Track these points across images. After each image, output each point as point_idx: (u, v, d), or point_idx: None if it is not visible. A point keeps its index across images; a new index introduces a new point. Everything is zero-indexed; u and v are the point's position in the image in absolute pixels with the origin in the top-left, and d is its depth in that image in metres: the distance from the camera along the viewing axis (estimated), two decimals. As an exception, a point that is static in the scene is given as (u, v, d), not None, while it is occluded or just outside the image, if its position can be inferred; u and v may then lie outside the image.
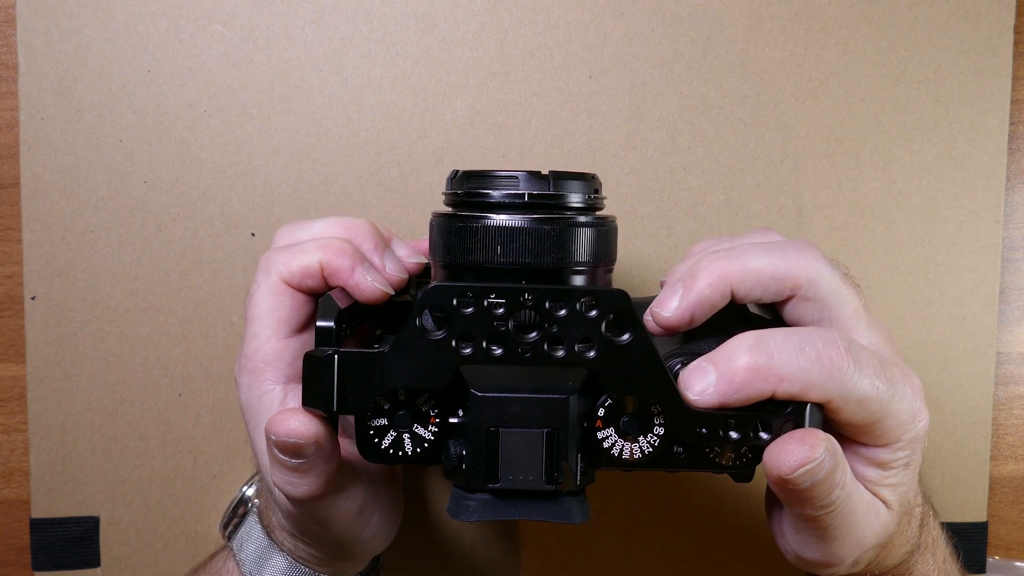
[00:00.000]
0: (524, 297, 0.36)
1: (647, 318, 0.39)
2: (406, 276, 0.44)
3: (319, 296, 0.43)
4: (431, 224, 0.42)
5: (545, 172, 0.40)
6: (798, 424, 0.37)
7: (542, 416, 0.37)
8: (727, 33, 0.56)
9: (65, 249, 0.55)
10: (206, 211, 0.55)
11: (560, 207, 0.40)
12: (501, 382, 0.37)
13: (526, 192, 0.40)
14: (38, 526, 0.56)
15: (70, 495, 0.56)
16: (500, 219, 0.39)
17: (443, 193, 0.43)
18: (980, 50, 0.56)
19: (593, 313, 0.36)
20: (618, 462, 0.38)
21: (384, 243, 0.45)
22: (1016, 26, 0.56)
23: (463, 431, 0.38)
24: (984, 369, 0.58)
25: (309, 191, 0.55)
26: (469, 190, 0.41)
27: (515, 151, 0.56)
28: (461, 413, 0.38)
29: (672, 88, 0.56)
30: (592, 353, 0.36)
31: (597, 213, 0.42)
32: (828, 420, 0.38)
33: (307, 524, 0.44)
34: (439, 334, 0.36)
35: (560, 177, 0.40)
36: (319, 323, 0.39)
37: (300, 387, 0.41)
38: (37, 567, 0.56)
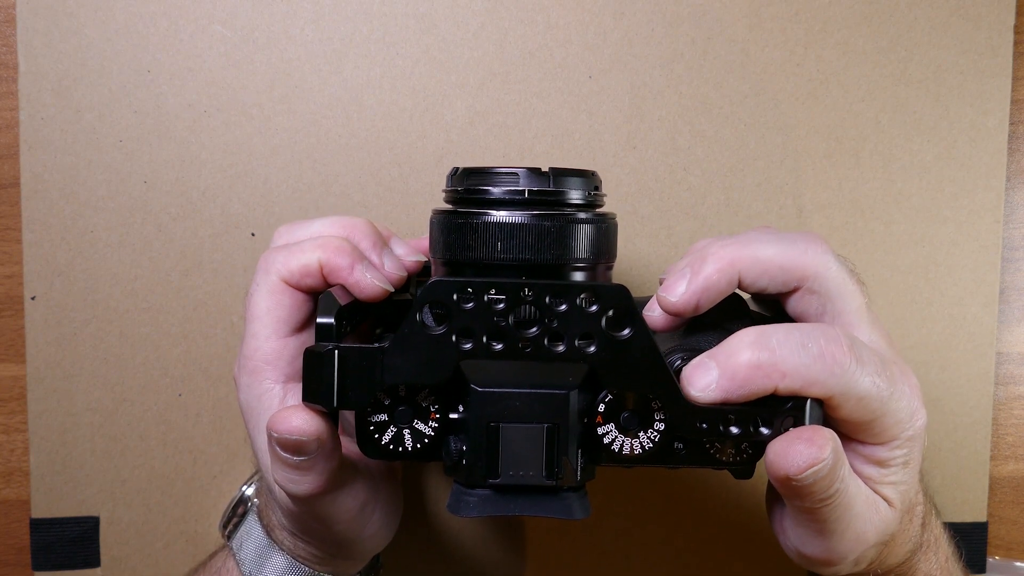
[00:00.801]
0: (524, 292, 0.36)
1: (649, 312, 0.39)
2: (405, 274, 0.44)
3: (318, 295, 0.43)
4: (431, 221, 0.42)
5: (545, 169, 0.40)
6: (799, 420, 0.37)
7: (542, 411, 0.37)
8: (727, 33, 0.56)
9: (65, 249, 0.55)
10: (206, 211, 0.55)
11: (560, 203, 0.40)
12: (501, 377, 0.37)
13: (526, 188, 0.40)
14: (38, 526, 0.56)
15: (70, 495, 0.56)
16: (500, 215, 0.40)
17: (443, 190, 0.43)
18: (980, 50, 0.56)
19: (593, 308, 0.36)
20: (618, 458, 0.38)
21: (383, 242, 0.45)
22: (1016, 26, 0.56)
23: (463, 426, 0.38)
24: (984, 369, 0.58)
25: (309, 191, 0.55)
26: (469, 187, 0.41)
27: (515, 151, 0.56)
28: (461, 409, 0.38)
29: (672, 88, 0.56)
30: (592, 348, 0.36)
31: (597, 210, 0.42)
32: (827, 416, 0.38)
33: (308, 522, 0.44)
34: (439, 330, 0.36)
35: (560, 174, 0.40)
36: (319, 319, 0.39)
37: (300, 386, 0.41)
38: (37, 567, 0.56)
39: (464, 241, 0.40)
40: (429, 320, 0.37)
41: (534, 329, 0.36)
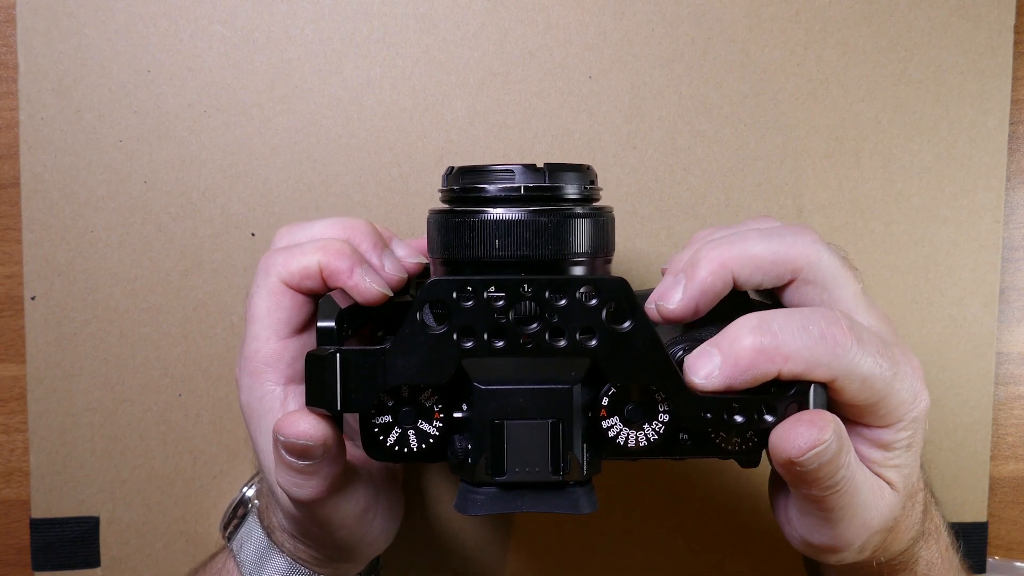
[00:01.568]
0: (523, 289, 0.36)
1: (648, 307, 0.39)
2: (405, 276, 0.44)
3: (319, 297, 0.43)
4: (428, 221, 0.42)
5: (540, 165, 0.40)
6: (802, 405, 0.37)
7: (546, 407, 0.37)
8: (727, 33, 0.56)
9: (65, 249, 0.55)
10: (206, 211, 0.55)
11: (557, 199, 0.40)
12: (504, 374, 0.37)
13: (522, 185, 0.40)
14: (38, 526, 0.56)
15: (70, 495, 0.56)
16: (497, 213, 0.39)
17: (440, 190, 0.43)
18: (980, 50, 0.56)
19: (593, 302, 0.36)
20: (623, 451, 0.38)
21: (383, 243, 0.45)
22: (1016, 26, 0.56)
23: (468, 425, 0.38)
24: (984, 369, 0.58)
25: (309, 191, 0.55)
26: (465, 185, 0.41)
27: (515, 151, 0.56)
28: (465, 407, 0.38)
29: (672, 88, 0.56)
30: (594, 342, 0.36)
31: (594, 204, 0.42)
32: (831, 401, 0.38)
33: (309, 526, 0.44)
34: (440, 329, 0.36)
35: (556, 169, 0.40)
36: (320, 323, 0.39)
37: (301, 388, 0.41)
38: (37, 567, 0.56)
39: (462, 240, 0.40)
40: (429, 320, 0.37)
41: (535, 325, 0.36)
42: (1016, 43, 0.57)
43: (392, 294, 0.42)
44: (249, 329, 0.43)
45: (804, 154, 0.56)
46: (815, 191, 0.56)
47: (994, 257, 0.57)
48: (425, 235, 0.43)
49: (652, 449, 0.38)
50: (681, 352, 0.38)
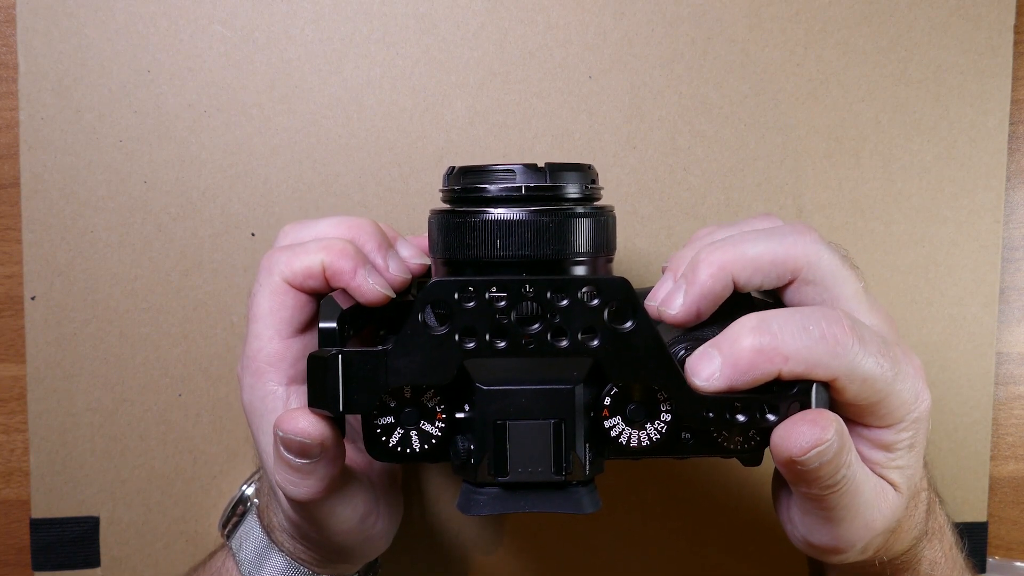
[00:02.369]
0: (525, 289, 0.36)
1: (649, 304, 0.39)
2: (409, 277, 0.44)
3: (321, 296, 0.43)
4: (429, 221, 0.42)
5: (541, 165, 0.40)
6: (804, 404, 0.36)
7: (548, 407, 0.37)
8: (727, 33, 0.56)
9: (65, 249, 0.55)
10: (206, 211, 0.55)
11: (558, 198, 0.40)
12: (506, 375, 0.37)
13: (523, 185, 0.40)
14: (38, 526, 0.56)
15: (70, 495, 0.56)
16: (498, 213, 0.39)
17: (440, 190, 0.43)
18: (980, 50, 0.56)
19: (595, 302, 0.36)
20: (626, 450, 0.38)
21: (388, 243, 0.45)
22: (1016, 26, 0.56)
23: (470, 426, 0.38)
24: (984, 369, 0.58)
25: (309, 191, 0.55)
26: (466, 185, 0.41)
27: (515, 151, 0.56)
28: (467, 408, 0.38)
29: (672, 88, 0.56)
30: (596, 342, 0.36)
31: (595, 203, 0.42)
32: (833, 401, 0.38)
33: (307, 528, 0.44)
34: (441, 330, 0.36)
35: (557, 169, 0.40)
36: (321, 324, 0.39)
37: (304, 387, 0.41)
38: (37, 567, 0.56)
39: (463, 240, 0.40)
40: (431, 320, 0.37)
41: (536, 325, 0.36)
42: (1016, 43, 0.57)
43: (395, 295, 0.42)
44: (251, 328, 0.43)
45: (804, 154, 0.56)
46: (815, 191, 0.56)
47: (994, 257, 0.57)
48: (426, 233, 0.43)
49: (654, 449, 0.38)
50: (683, 352, 0.38)
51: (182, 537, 0.57)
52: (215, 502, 0.56)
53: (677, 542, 0.59)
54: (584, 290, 0.36)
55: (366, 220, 0.45)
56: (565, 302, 0.36)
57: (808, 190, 0.56)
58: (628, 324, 0.36)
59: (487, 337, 0.36)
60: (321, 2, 0.55)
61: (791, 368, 0.36)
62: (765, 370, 0.36)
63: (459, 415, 0.38)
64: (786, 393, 0.37)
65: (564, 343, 0.36)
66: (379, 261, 0.43)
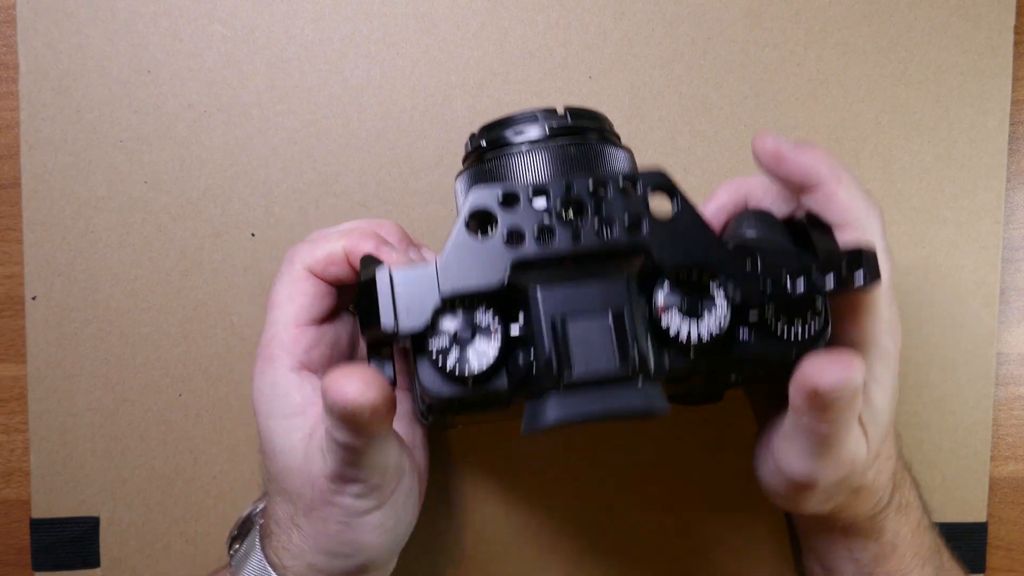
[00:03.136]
0: (569, 186, 0.36)
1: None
2: None
3: (342, 288, 0.42)
4: (456, 185, 0.42)
5: (560, 110, 0.41)
6: (857, 265, 0.36)
7: (605, 300, 0.36)
8: (727, 33, 0.56)
9: (65, 249, 0.55)
10: (206, 211, 0.55)
11: (582, 131, 0.41)
12: (558, 277, 0.37)
13: (546, 124, 0.41)
14: (38, 526, 0.56)
15: (70, 495, 0.56)
16: (526, 148, 0.40)
17: (465, 158, 0.43)
18: (980, 50, 0.56)
19: (637, 192, 0.36)
20: (685, 348, 0.37)
21: (410, 241, 0.44)
22: (1016, 26, 0.56)
23: (527, 338, 0.36)
24: (984, 369, 0.58)
25: (309, 191, 0.55)
26: (490, 138, 0.41)
27: (515, 151, 0.56)
28: (522, 320, 0.37)
29: (672, 88, 0.56)
30: (642, 231, 0.36)
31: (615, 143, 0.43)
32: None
33: (337, 537, 0.42)
34: (487, 235, 0.36)
35: (576, 111, 0.41)
36: (363, 264, 0.38)
37: (315, 376, 0.41)
38: (37, 567, 0.56)
39: (496, 179, 0.40)
40: (476, 227, 0.37)
41: (581, 220, 0.36)
42: (1016, 43, 0.57)
43: None
44: (268, 317, 0.43)
45: (804, 154, 0.56)
46: (815, 191, 0.56)
47: (994, 257, 0.57)
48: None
49: (713, 347, 0.37)
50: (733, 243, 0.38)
51: (182, 538, 0.57)
52: (215, 502, 0.56)
53: (679, 540, 0.59)
54: (624, 182, 0.36)
55: (390, 221, 0.45)
56: (607, 195, 0.36)
57: (808, 190, 0.56)
58: (672, 211, 0.36)
59: (534, 237, 0.36)
60: (321, 2, 0.55)
61: (841, 193, 0.39)
62: (816, 170, 0.40)
63: (515, 332, 0.37)
64: (839, 255, 0.37)
65: (611, 234, 0.36)
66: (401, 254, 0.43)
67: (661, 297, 0.37)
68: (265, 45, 0.55)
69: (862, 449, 0.41)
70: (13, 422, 0.57)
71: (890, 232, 0.56)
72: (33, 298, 0.55)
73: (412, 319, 0.36)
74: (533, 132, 0.41)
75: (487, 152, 0.41)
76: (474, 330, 0.37)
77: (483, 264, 0.36)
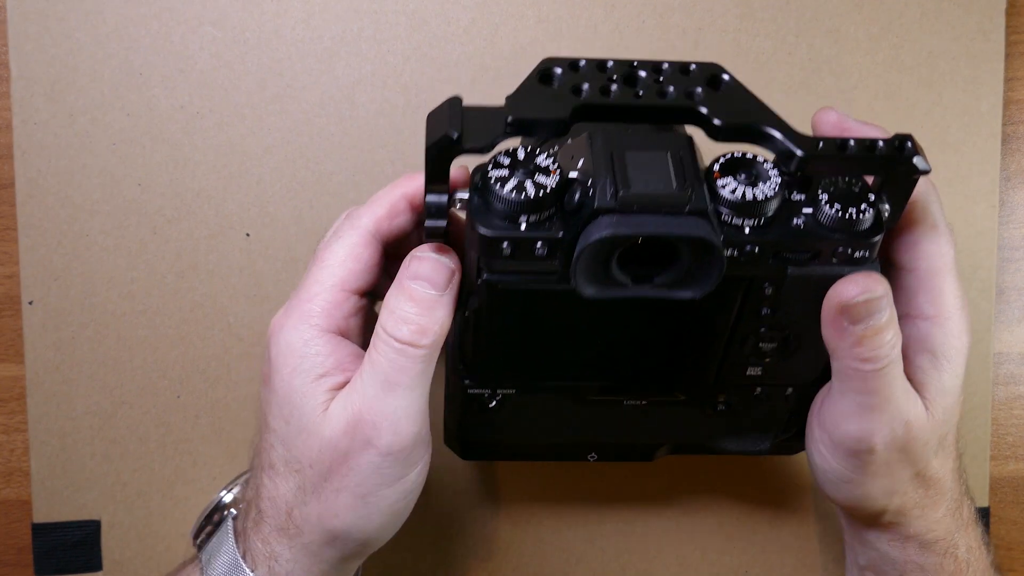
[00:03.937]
0: (629, 62, 0.37)
1: None
2: None
3: (391, 257, 0.42)
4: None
5: None
6: (907, 155, 0.36)
7: (664, 143, 0.37)
8: (718, 23, 0.56)
9: (61, 253, 0.55)
10: (200, 212, 0.55)
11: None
12: (619, 129, 0.38)
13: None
14: (40, 530, 0.56)
15: (71, 499, 0.56)
16: None
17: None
18: (972, 35, 0.56)
19: (692, 69, 0.37)
20: (742, 208, 0.37)
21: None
22: (1009, 23, 0.56)
23: (585, 178, 0.37)
24: (984, 369, 0.58)
25: (303, 190, 0.55)
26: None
27: (508, 146, 0.56)
28: (581, 163, 0.37)
29: (664, 80, 0.56)
30: (698, 97, 0.36)
31: None
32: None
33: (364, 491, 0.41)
34: (555, 84, 0.36)
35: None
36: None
37: (350, 343, 0.41)
38: (39, 571, 0.56)
39: None
40: (545, 80, 0.37)
41: (643, 82, 0.37)
42: (1012, 43, 0.57)
43: None
44: (313, 274, 0.42)
45: (798, 143, 0.56)
46: (810, 180, 0.56)
47: (991, 243, 0.57)
48: None
49: (767, 208, 0.37)
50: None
51: (183, 539, 0.57)
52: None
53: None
54: (680, 65, 0.37)
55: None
56: (666, 66, 0.37)
57: (802, 179, 0.56)
58: (723, 86, 0.37)
59: (598, 90, 0.36)
60: (311, 1, 0.55)
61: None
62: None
63: (573, 175, 0.37)
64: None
65: (670, 93, 0.36)
66: None
67: (717, 166, 0.38)
68: (256, 45, 0.55)
69: (917, 408, 0.41)
70: (13, 422, 0.57)
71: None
72: (30, 303, 0.55)
73: (477, 137, 0.36)
74: None
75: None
76: (534, 168, 0.37)
77: (548, 104, 0.36)
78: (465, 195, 0.37)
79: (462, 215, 0.38)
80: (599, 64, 0.37)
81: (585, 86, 0.36)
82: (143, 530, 0.57)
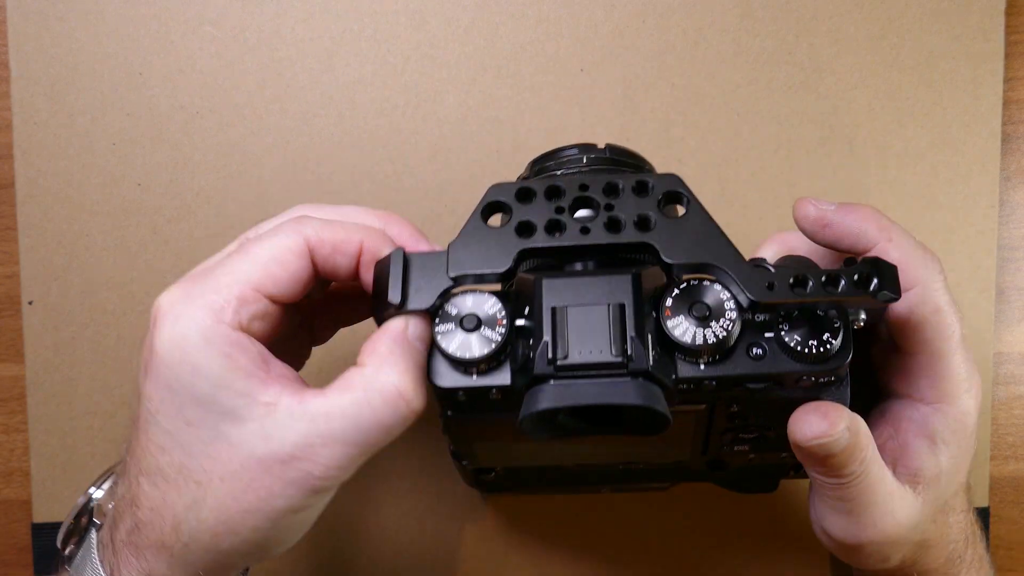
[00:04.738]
0: (582, 186, 0.37)
1: None
2: None
3: (324, 285, 0.40)
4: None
5: (601, 145, 0.44)
6: (872, 276, 0.35)
7: (608, 293, 0.36)
8: (719, 24, 0.56)
9: (61, 253, 0.55)
10: (200, 212, 0.55)
11: (617, 163, 0.44)
12: (566, 272, 0.37)
13: (584, 156, 0.43)
14: (39, 531, 0.56)
15: (71, 499, 0.56)
16: (560, 174, 0.42)
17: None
18: (972, 35, 0.56)
19: (648, 194, 0.37)
20: (690, 351, 0.36)
21: (422, 236, 0.41)
22: (1008, 24, 0.56)
23: (531, 329, 0.36)
24: (984, 369, 0.58)
25: (303, 190, 0.55)
26: (535, 171, 0.44)
27: (508, 146, 0.56)
28: (527, 312, 0.37)
29: (664, 80, 0.56)
30: (651, 229, 0.36)
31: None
32: (895, 334, 0.39)
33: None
34: (501, 226, 0.37)
35: (615, 148, 0.44)
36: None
37: (249, 340, 0.36)
38: (39, 571, 0.56)
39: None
40: (490, 218, 0.37)
41: (593, 216, 0.37)
42: (1012, 43, 0.56)
43: None
44: (232, 264, 0.37)
45: (798, 143, 0.56)
46: (809, 180, 0.56)
47: (990, 243, 0.57)
48: None
49: (718, 348, 0.36)
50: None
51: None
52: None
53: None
54: (637, 184, 0.37)
55: (396, 215, 0.41)
56: (620, 193, 0.37)
57: (802, 179, 0.56)
58: (682, 212, 0.37)
59: (545, 229, 0.36)
60: (311, 1, 0.55)
61: (895, 246, 0.39)
62: (863, 230, 0.39)
63: (520, 323, 0.37)
64: (852, 265, 0.36)
65: (620, 231, 0.36)
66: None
67: (669, 301, 0.36)
68: (256, 45, 0.55)
69: (908, 508, 0.39)
70: (13, 422, 0.57)
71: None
72: (30, 303, 0.55)
73: (420, 298, 0.36)
74: (571, 164, 0.43)
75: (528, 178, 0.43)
76: (480, 320, 0.37)
77: (493, 251, 0.36)
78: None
79: None
80: (549, 191, 0.37)
81: (533, 221, 0.37)
82: (143, 530, 0.57)
